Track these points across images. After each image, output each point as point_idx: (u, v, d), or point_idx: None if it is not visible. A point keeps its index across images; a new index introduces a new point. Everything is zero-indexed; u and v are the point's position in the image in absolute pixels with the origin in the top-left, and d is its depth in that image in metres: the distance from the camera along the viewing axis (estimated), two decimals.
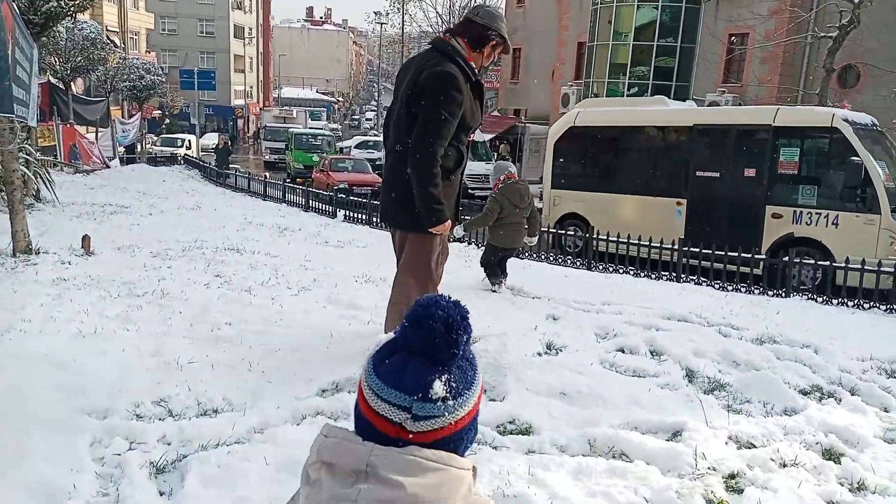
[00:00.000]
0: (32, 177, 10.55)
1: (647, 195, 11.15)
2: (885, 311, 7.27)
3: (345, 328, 4.73)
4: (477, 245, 10.17)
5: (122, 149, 25.59)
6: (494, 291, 6.58)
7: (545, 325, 5.34)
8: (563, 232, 10.71)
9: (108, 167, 21.41)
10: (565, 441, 3.27)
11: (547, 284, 7.25)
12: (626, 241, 9.26)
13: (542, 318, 5.57)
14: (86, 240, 6.83)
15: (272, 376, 3.82)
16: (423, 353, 1.14)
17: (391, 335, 1.20)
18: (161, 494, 2.71)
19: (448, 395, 1.12)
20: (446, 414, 1.13)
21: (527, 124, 29.10)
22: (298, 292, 5.57)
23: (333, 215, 13.49)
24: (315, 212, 14.36)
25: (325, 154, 26.17)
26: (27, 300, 4.94)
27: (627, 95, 22.63)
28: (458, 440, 1.17)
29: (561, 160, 12.22)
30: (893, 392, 4.22)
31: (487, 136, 25.54)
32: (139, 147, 29.55)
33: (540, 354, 4.60)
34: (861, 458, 3.27)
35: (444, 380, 1.12)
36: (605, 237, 9.34)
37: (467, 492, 1.14)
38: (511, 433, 3.38)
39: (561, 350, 4.73)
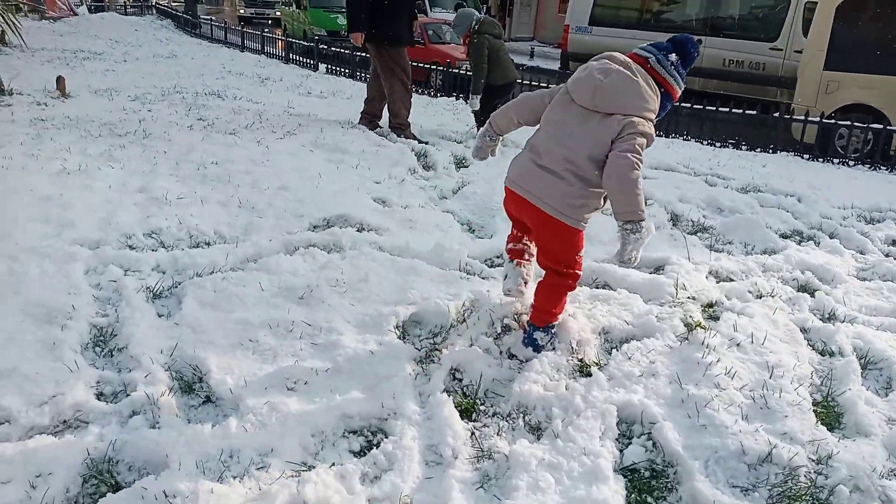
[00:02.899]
0: None
1: None
2: (869, 167, 7.33)
3: (332, 171, 4.69)
4: (463, 99, 9.96)
5: None
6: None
7: None
8: (845, 124, 7.60)
9: (75, 14, 20.23)
10: None
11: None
12: None
13: None
14: (61, 81, 6.57)
15: (263, 213, 3.82)
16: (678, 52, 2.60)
17: None
18: (160, 316, 2.79)
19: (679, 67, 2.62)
20: (673, 71, 2.58)
21: None
22: (284, 136, 5.46)
23: (315, 68, 13.00)
24: (296, 64, 13.82)
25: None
26: (5, 139, 4.81)
27: None
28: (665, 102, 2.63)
29: (846, 31, 8.53)
30: (871, 237, 4.34)
31: None
32: None
33: None
34: (834, 293, 3.41)
35: (682, 60, 2.62)
36: None
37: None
38: (498, 266, 3.47)
39: None
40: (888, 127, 7.45)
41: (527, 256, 2.91)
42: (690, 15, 14.86)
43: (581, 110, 2.49)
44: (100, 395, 2.30)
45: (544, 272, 2.67)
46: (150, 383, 2.32)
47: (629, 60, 2.53)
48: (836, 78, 8.63)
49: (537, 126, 2.68)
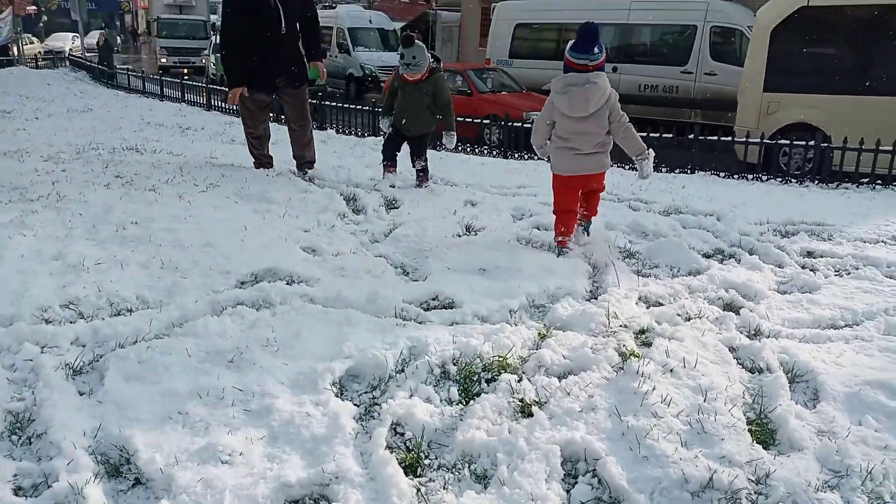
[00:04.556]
0: None
1: None
2: (780, 182, 7.71)
3: (259, 222, 4.60)
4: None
5: None
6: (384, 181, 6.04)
7: (464, 210, 5.37)
8: (790, 143, 7.98)
9: None
10: (486, 312, 3.37)
11: (464, 173, 7.26)
12: None
13: (460, 204, 5.59)
14: None
15: (187, 272, 3.70)
16: (589, 41, 4.06)
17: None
18: (81, 394, 2.64)
19: (599, 51, 4.08)
20: (600, 56, 4.10)
21: (438, 11, 28.07)
22: (207, 189, 5.33)
23: (238, 114, 12.84)
24: (218, 111, 13.64)
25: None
26: None
27: None
28: (603, 69, 4.18)
29: (783, 53, 8.90)
30: (787, 250, 4.54)
31: (398, 25, 24.51)
32: (15, 48, 26.84)
33: (459, 236, 4.65)
34: (758, 309, 3.54)
35: (597, 47, 4.07)
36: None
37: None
38: (435, 308, 3.46)
39: (479, 231, 4.79)
40: (826, 144, 7.70)
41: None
42: (605, 44, 15.47)
43: (584, 117, 4.12)
44: (18, 490, 2.14)
45: (592, 196, 4.55)
46: (74, 471, 2.17)
47: (584, 75, 4.08)
48: (776, 99, 8.96)
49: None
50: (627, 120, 4.19)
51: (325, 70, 6.38)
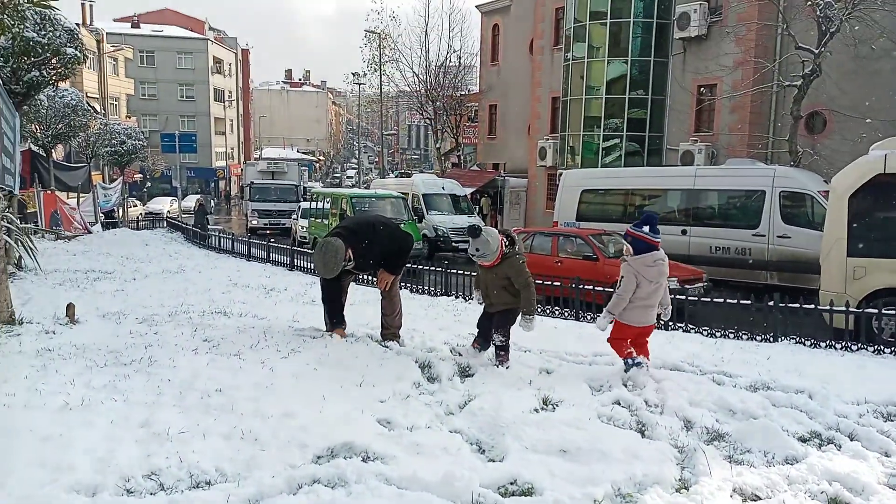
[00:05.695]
0: (14, 245, 10.44)
1: None
2: (873, 352, 7.31)
3: (336, 390, 4.65)
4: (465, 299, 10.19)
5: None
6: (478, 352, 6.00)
7: (539, 380, 5.30)
8: (879, 311, 7.63)
9: (89, 232, 21.29)
10: (569, 501, 3.20)
11: (538, 337, 7.21)
12: None
13: (535, 372, 5.53)
14: (70, 308, 6.72)
15: (266, 444, 3.73)
16: (657, 223, 5.56)
17: None
18: None
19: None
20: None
21: (506, 178, 29.50)
22: (288, 355, 5.48)
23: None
24: (300, 270, 14.30)
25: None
26: (11, 373, 4.81)
27: (603, 148, 23.11)
28: None
29: (864, 219, 8.78)
30: (892, 436, 4.21)
31: (469, 190, 25.79)
32: (120, 211, 29.51)
33: (537, 410, 4.55)
34: None
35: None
36: None
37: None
38: (513, 495, 3.32)
39: (557, 405, 4.68)
40: None
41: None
42: (672, 207, 15.73)
43: (660, 281, 5.49)
44: None
45: (644, 344, 5.72)
46: None
47: (660, 251, 5.50)
48: (862, 264, 8.61)
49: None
50: None
51: (389, 283, 6.37)
